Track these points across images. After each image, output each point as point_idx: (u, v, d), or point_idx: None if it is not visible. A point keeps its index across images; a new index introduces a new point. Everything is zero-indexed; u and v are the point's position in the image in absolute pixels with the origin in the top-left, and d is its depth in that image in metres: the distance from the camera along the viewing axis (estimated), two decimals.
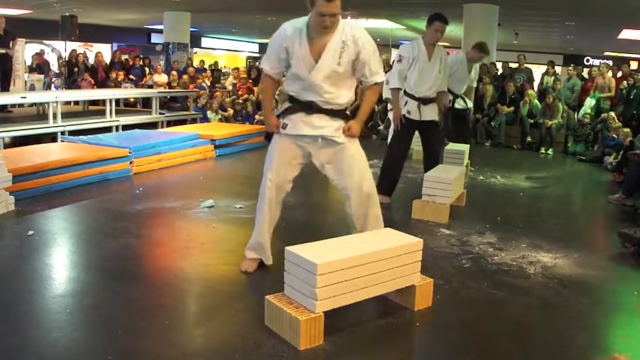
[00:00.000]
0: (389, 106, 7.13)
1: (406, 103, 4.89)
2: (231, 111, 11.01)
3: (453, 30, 15.52)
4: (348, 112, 3.15)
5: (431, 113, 4.95)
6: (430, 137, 5.13)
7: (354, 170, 3.13)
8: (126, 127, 8.64)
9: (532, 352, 2.55)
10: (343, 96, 3.08)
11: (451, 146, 6.05)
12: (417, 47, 4.79)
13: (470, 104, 6.64)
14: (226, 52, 25.92)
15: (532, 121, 9.62)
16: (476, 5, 11.04)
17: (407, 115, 4.88)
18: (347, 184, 3.15)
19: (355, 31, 2.97)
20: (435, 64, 4.84)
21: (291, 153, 3.18)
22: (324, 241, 2.74)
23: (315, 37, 2.94)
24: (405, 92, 4.89)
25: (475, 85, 6.86)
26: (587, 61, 19.64)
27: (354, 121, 3.12)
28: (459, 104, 6.29)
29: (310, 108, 3.06)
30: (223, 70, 18.17)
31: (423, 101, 4.88)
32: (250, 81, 13.04)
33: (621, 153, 7.01)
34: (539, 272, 3.54)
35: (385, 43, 19.38)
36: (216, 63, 17.59)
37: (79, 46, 14.35)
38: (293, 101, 3.12)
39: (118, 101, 10.20)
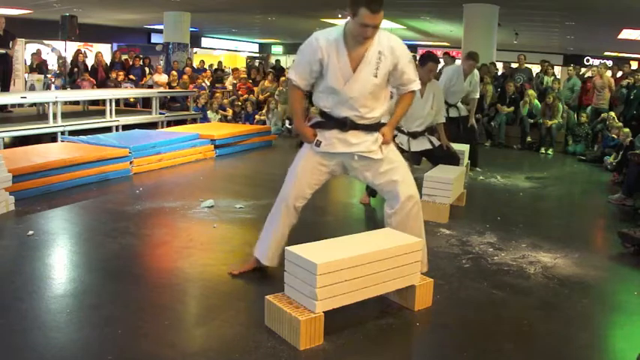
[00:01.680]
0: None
1: (396, 135, 4.93)
2: (230, 111, 11.02)
3: (453, 30, 15.58)
4: (382, 122, 3.05)
5: (421, 145, 5.07)
6: (436, 161, 5.21)
7: (395, 176, 3.03)
8: (126, 127, 8.64)
9: (532, 352, 2.55)
10: (378, 109, 2.99)
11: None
12: None
13: (464, 112, 6.73)
14: (226, 52, 25.92)
15: (532, 121, 9.62)
16: (476, 5, 11.03)
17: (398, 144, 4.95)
18: (389, 189, 3.05)
19: (392, 42, 2.89)
20: (427, 101, 4.96)
21: (320, 165, 3.07)
22: (324, 241, 2.74)
23: (353, 47, 2.82)
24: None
25: (477, 96, 6.85)
26: (587, 61, 19.62)
27: (386, 127, 3.04)
28: (452, 113, 6.47)
29: (345, 125, 2.94)
30: (225, 71, 18.15)
31: (413, 135, 5.03)
32: (250, 81, 13.06)
33: (621, 153, 7.01)
34: (539, 272, 3.54)
35: None
36: (219, 63, 17.52)
37: (79, 46, 14.34)
38: (325, 117, 3.00)
39: (118, 101, 10.19)
